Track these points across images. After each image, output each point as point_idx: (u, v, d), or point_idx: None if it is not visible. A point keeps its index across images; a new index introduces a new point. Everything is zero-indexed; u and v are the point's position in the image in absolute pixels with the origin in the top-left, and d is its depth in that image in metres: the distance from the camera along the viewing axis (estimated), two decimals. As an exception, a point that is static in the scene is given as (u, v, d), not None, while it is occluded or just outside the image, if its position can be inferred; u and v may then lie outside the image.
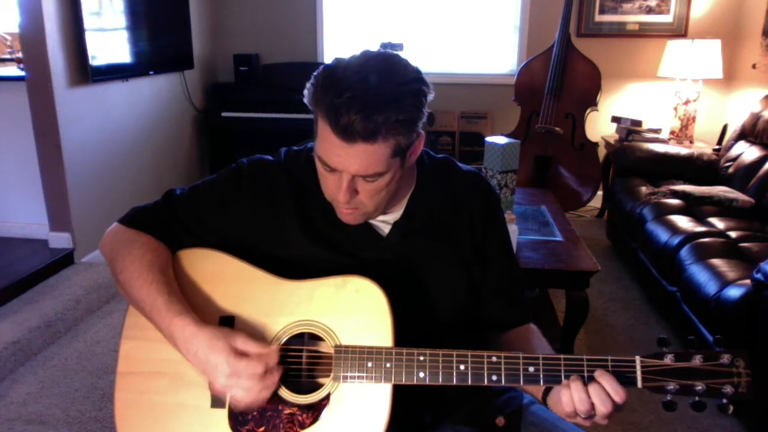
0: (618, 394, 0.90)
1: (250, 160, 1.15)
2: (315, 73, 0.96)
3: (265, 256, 1.08)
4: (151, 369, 1.04)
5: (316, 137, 0.98)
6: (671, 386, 0.90)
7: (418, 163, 1.13)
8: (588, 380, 0.92)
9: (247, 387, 0.94)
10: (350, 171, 0.95)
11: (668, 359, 0.91)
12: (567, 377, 0.92)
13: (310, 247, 1.07)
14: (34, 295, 2.82)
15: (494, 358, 0.94)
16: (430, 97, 0.98)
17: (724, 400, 0.90)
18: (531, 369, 0.93)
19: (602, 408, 0.90)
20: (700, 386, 0.90)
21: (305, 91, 0.96)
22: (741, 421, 2.11)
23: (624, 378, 0.91)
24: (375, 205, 1.02)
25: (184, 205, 1.12)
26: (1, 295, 2.72)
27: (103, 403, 2.20)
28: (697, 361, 0.90)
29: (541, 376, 0.93)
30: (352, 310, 0.99)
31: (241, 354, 0.95)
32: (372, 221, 1.10)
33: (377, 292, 0.99)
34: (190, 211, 1.11)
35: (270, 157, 1.15)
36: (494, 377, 0.94)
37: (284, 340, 1.01)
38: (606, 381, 0.91)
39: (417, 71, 0.97)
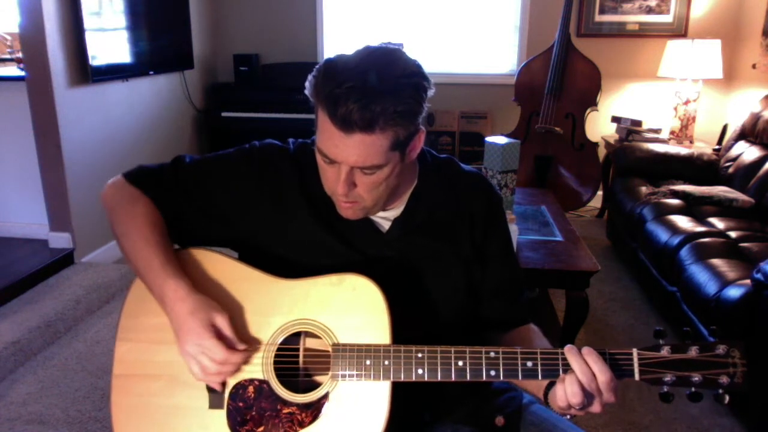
0: (603, 373, 0.89)
1: (262, 143, 1.16)
2: (317, 66, 0.97)
3: (265, 238, 1.09)
4: (147, 371, 1.03)
5: (317, 129, 0.98)
6: (668, 378, 0.91)
7: (421, 162, 1.13)
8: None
9: (205, 365, 0.95)
10: (348, 162, 0.96)
11: (665, 351, 0.91)
12: (565, 372, 0.92)
13: (312, 232, 1.07)
14: (34, 295, 2.82)
15: (492, 354, 0.94)
16: (431, 92, 0.98)
17: (720, 391, 0.90)
18: (529, 364, 0.93)
19: (590, 384, 0.89)
20: (696, 377, 0.90)
21: (306, 83, 0.97)
22: (741, 421, 2.11)
23: (621, 370, 0.92)
24: (374, 200, 1.02)
25: (190, 175, 1.12)
26: (1, 295, 2.72)
27: (103, 403, 2.20)
28: (693, 352, 0.91)
29: (539, 370, 0.93)
30: (349, 308, 0.99)
31: (216, 332, 0.96)
32: (372, 217, 1.10)
33: (374, 290, 0.98)
34: (195, 182, 1.11)
35: (280, 144, 1.16)
36: (492, 372, 0.94)
37: (281, 340, 1.01)
38: (591, 359, 0.91)
39: (417, 65, 0.98)
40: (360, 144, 0.93)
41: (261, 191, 1.10)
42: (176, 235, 1.10)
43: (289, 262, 1.06)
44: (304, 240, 1.07)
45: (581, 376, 0.90)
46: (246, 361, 1.00)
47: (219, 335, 0.96)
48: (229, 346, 0.96)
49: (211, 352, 0.95)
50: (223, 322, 0.97)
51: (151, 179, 1.11)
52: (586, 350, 0.92)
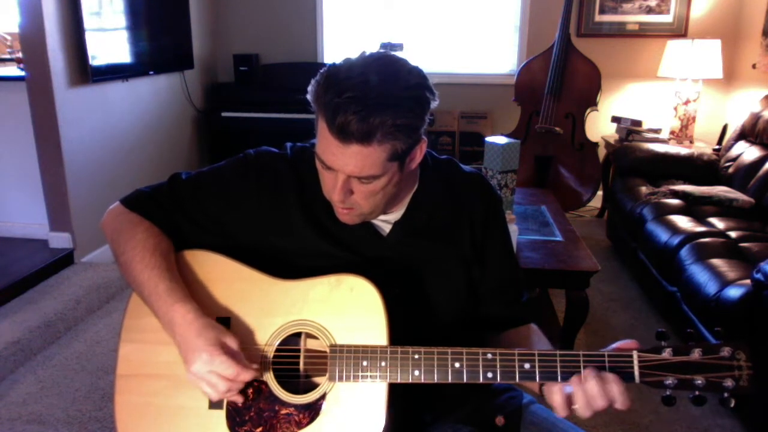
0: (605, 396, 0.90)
1: (257, 151, 1.15)
2: (321, 71, 0.96)
3: (265, 247, 1.08)
4: (151, 371, 1.04)
5: (316, 135, 0.98)
6: (670, 381, 0.89)
7: (421, 164, 1.12)
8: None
9: (214, 383, 0.94)
10: (345, 171, 0.96)
11: (667, 353, 0.90)
12: (563, 373, 0.92)
13: (312, 238, 1.07)
14: (34, 295, 2.82)
15: (489, 356, 0.94)
16: (434, 104, 0.97)
17: (726, 394, 0.88)
18: (527, 366, 0.93)
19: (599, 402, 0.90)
20: (699, 380, 0.88)
21: (309, 88, 0.97)
22: (741, 421, 2.11)
23: (621, 374, 0.90)
24: (371, 207, 1.02)
25: (188, 192, 1.12)
26: (1, 295, 2.72)
27: (103, 403, 2.20)
28: (696, 354, 0.89)
29: (537, 372, 0.93)
30: (346, 309, 0.99)
31: (226, 350, 0.95)
32: (372, 221, 1.10)
33: (371, 291, 0.98)
34: (193, 198, 1.11)
35: (276, 150, 1.15)
36: (489, 374, 0.94)
37: (279, 341, 1.01)
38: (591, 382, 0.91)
39: (422, 77, 0.97)
40: (357, 155, 0.93)
41: (259, 200, 1.10)
42: (181, 249, 1.10)
43: (289, 266, 1.06)
44: (304, 245, 1.07)
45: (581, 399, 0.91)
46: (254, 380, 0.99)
47: (229, 353, 0.95)
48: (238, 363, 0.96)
49: (221, 368, 0.93)
50: (232, 343, 0.97)
51: (149, 202, 1.11)
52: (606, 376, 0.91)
